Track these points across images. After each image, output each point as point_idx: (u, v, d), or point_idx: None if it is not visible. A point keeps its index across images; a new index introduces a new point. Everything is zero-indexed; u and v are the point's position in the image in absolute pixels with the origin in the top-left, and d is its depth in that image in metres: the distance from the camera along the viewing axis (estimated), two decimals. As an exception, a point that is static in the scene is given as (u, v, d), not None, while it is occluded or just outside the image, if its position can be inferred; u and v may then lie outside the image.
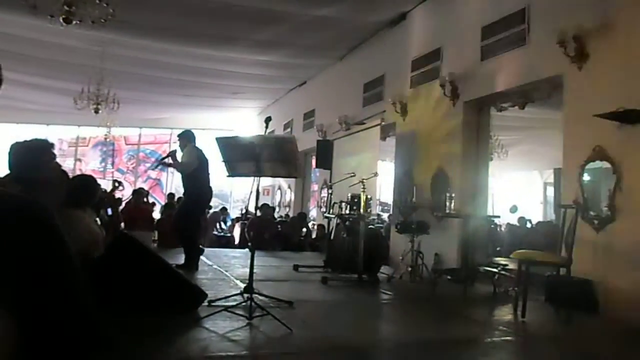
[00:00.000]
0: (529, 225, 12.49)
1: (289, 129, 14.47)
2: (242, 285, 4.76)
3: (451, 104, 7.39)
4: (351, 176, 7.04)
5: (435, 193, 7.58)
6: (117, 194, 8.26)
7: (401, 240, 7.34)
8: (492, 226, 9.96)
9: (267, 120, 4.27)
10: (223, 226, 13.35)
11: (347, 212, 6.77)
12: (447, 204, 6.28)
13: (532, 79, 6.22)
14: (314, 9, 8.56)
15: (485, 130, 7.49)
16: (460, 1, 7.70)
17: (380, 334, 4.28)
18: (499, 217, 10.42)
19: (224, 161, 4.23)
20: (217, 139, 4.17)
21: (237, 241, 11.71)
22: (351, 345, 3.48)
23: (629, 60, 4.92)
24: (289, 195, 14.59)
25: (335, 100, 11.48)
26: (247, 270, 4.09)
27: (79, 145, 20.08)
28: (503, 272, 6.14)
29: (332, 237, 7.49)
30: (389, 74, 9.49)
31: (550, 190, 15.08)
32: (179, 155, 6.62)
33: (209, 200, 6.99)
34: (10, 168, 2.96)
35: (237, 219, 13.24)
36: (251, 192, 4.07)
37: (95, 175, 5.98)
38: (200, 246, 6.78)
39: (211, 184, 6.68)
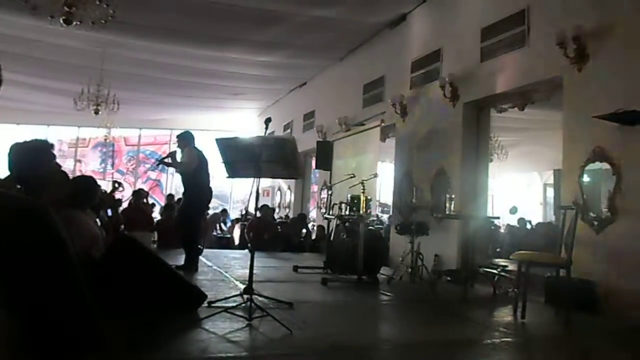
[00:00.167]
0: (528, 226, 12.50)
1: (289, 130, 14.47)
2: (242, 286, 4.75)
3: (451, 105, 7.40)
4: (351, 177, 7.04)
5: (435, 194, 7.58)
6: (117, 195, 8.27)
7: (401, 241, 7.34)
8: (492, 227, 9.98)
9: (267, 121, 4.27)
10: (223, 227, 13.35)
11: (347, 213, 6.77)
12: (447, 205, 6.27)
13: (532, 80, 6.23)
14: (314, 10, 8.57)
15: (485, 131, 7.49)
16: (460, 2, 7.70)
17: (380, 335, 4.29)
18: (498, 218, 10.44)
19: (223, 162, 4.23)
20: (217, 140, 4.18)
21: (237, 242, 11.70)
22: (351, 346, 3.47)
23: (629, 62, 4.93)
24: (289, 196, 14.59)
25: (335, 101, 11.49)
26: (247, 271, 4.09)
27: (79, 146, 20.07)
28: (503, 273, 6.15)
29: (331, 238, 7.49)
30: (389, 75, 9.49)
31: (550, 192, 15.07)
32: (179, 156, 6.62)
33: (209, 201, 6.99)
34: (10, 169, 2.96)
35: (237, 220, 13.23)
36: (251, 193, 4.07)
37: (95, 176, 5.98)
38: (199, 246, 6.77)
39: (211, 185, 6.68)
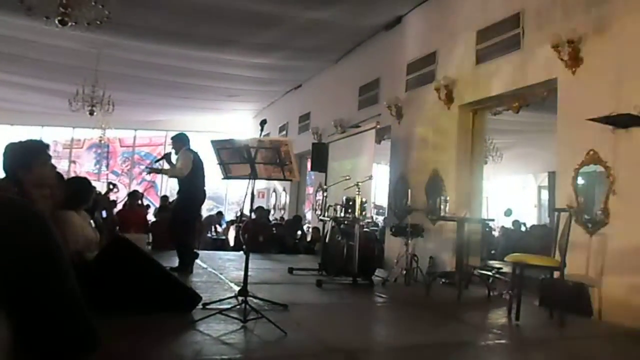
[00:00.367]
0: (523, 228, 12.55)
1: (284, 132, 14.48)
2: (237, 288, 4.74)
3: (446, 108, 7.42)
4: (346, 179, 7.04)
5: (430, 196, 7.60)
6: (112, 196, 8.25)
7: (396, 243, 7.35)
8: (487, 229, 9.98)
9: (263, 123, 4.27)
10: (219, 229, 13.34)
11: (342, 215, 6.77)
12: (442, 207, 6.30)
13: (527, 82, 6.25)
14: (310, 12, 8.58)
15: (480, 133, 7.51)
16: (456, 5, 7.73)
17: (374, 337, 4.29)
18: (493, 220, 10.46)
19: (219, 164, 4.23)
20: (212, 141, 4.17)
21: (232, 244, 11.69)
22: (345, 348, 3.47)
23: (622, 65, 4.95)
24: (284, 198, 14.58)
25: (331, 103, 11.50)
26: (242, 273, 4.08)
27: (74, 147, 20.01)
28: (497, 275, 6.17)
29: (327, 240, 7.49)
30: (384, 77, 9.51)
31: (545, 194, 15.14)
32: (173, 158, 6.60)
33: (202, 203, 6.97)
34: (4, 169, 2.95)
35: (232, 222, 13.22)
36: (246, 194, 4.07)
37: (89, 178, 5.97)
38: (195, 250, 6.75)
39: (205, 187, 6.66)
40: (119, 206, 9.67)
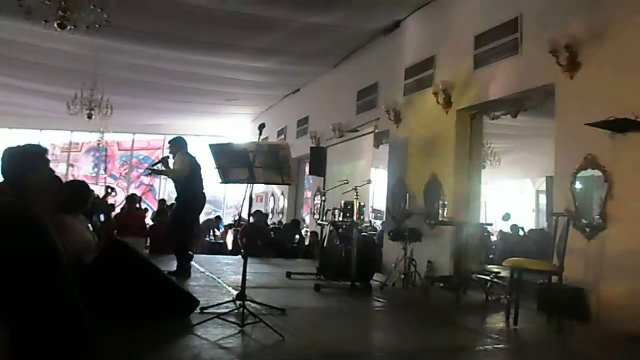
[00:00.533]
0: (521, 233, 12.55)
1: (282, 136, 14.47)
2: (235, 292, 4.74)
3: (444, 112, 7.42)
4: (344, 183, 7.04)
5: (428, 200, 7.60)
6: (110, 200, 8.25)
7: (394, 247, 7.34)
8: (485, 234, 10.00)
9: (261, 127, 4.27)
10: (217, 232, 13.33)
11: (340, 219, 6.77)
12: (440, 211, 6.30)
13: (525, 87, 6.27)
14: (309, 17, 8.59)
15: (478, 138, 7.52)
16: (454, 10, 7.75)
17: (372, 341, 4.28)
18: (491, 224, 10.47)
19: (217, 168, 4.23)
20: (210, 145, 4.17)
21: (229, 248, 11.67)
22: (343, 352, 3.47)
23: (620, 70, 4.97)
24: (282, 202, 14.58)
25: (329, 107, 11.51)
26: (240, 277, 4.08)
27: (72, 151, 19.98)
28: (495, 279, 6.16)
29: (325, 244, 7.49)
30: (382, 82, 9.52)
31: (543, 198, 15.14)
32: (171, 162, 6.60)
33: (202, 207, 6.96)
34: (3, 173, 2.95)
35: (230, 226, 13.21)
36: (244, 198, 4.07)
37: (87, 181, 5.95)
38: (190, 252, 6.74)
39: (204, 190, 6.66)
40: (117, 210, 9.66)
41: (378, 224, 12.72)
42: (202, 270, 6.96)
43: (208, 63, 11.18)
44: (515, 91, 6.44)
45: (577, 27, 5.38)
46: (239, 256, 8.68)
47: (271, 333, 3.50)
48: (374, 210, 14.50)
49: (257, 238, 10.17)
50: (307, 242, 11.70)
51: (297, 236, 11.68)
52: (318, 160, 9.70)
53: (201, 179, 6.55)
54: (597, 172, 5.12)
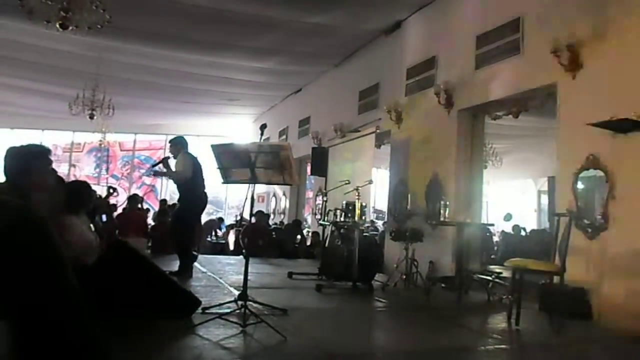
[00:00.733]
0: (523, 233, 12.52)
1: (284, 136, 14.48)
2: (236, 293, 4.73)
3: (446, 112, 7.42)
4: (346, 183, 7.05)
5: (429, 201, 7.59)
6: (112, 200, 8.25)
7: (395, 248, 7.34)
8: (487, 234, 9.98)
9: (263, 127, 4.28)
10: (219, 232, 13.33)
11: (342, 219, 6.77)
12: (442, 211, 6.29)
13: (526, 87, 6.26)
14: (310, 17, 8.60)
15: (479, 138, 7.52)
16: (456, 10, 7.75)
17: (374, 341, 4.28)
18: (493, 225, 10.44)
19: (219, 168, 4.23)
20: (212, 146, 4.17)
21: (231, 248, 11.68)
22: (345, 353, 3.47)
23: (622, 70, 4.96)
24: (284, 202, 14.58)
25: (331, 107, 11.51)
26: (242, 277, 4.07)
27: (74, 151, 20.02)
28: (497, 280, 6.15)
29: (326, 244, 7.49)
30: (384, 82, 9.52)
31: (545, 199, 15.13)
32: (172, 162, 6.59)
33: (204, 207, 6.96)
34: (5, 173, 2.95)
35: (232, 226, 13.21)
36: (246, 199, 4.07)
37: (89, 181, 5.96)
38: (194, 253, 6.74)
39: (206, 190, 6.65)
40: (119, 210, 9.66)
41: (379, 224, 12.71)
42: (204, 270, 6.96)
43: (210, 63, 11.19)
44: (516, 91, 6.43)
45: (578, 27, 5.38)
46: (241, 256, 8.69)
47: (273, 333, 3.50)
48: (375, 211, 14.50)
49: (259, 238, 10.17)
50: (308, 243, 11.70)
51: (298, 236, 11.69)
52: (319, 161, 9.71)
53: (203, 179, 6.54)
54: (599, 172, 5.12)
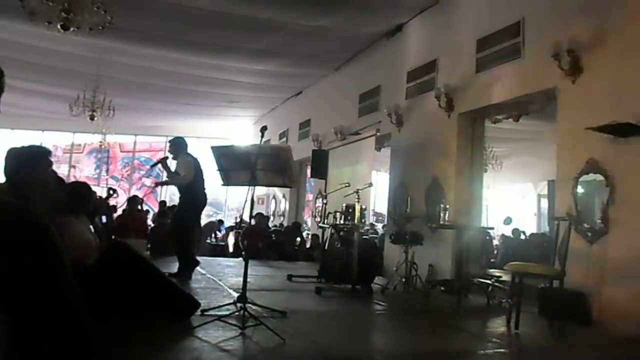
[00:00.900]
0: (522, 237, 12.52)
1: (284, 139, 14.49)
2: (236, 295, 4.73)
3: (446, 116, 7.42)
4: (346, 186, 7.04)
5: (429, 204, 7.59)
6: (112, 202, 8.25)
7: (395, 251, 7.34)
8: (486, 238, 9.99)
9: (263, 129, 4.27)
10: (218, 234, 13.32)
11: (342, 222, 6.77)
12: (442, 215, 6.29)
13: (527, 91, 6.26)
14: (311, 20, 8.61)
15: (479, 141, 7.52)
16: (456, 13, 7.76)
17: (373, 344, 4.28)
18: (493, 228, 10.44)
19: (219, 170, 4.23)
20: (212, 147, 4.18)
21: (231, 250, 11.67)
22: (344, 355, 3.47)
23: (622, 74, 4.97)
24: (284, 205, 14.58)
25: (331, 110, 11.52)
26: (241, 279, 4.08)
27: (74, 152, 20.02)
28: (497, 283, 6.16)
29: (326, 247, 7.48)
30: (384, 85, 9.53)
31: (544, 202, 15.13)
32: (170, 163, 6.57)
33: (203, 208, 6.96)
34: (5, 174, 2.95)
35: (231, 228, 13.21)
36: (246, 201, 4.07)
37: (89, 182, 5.96)
38: (197, 259, 6.71)
39: (206, 191, 6.64)
40: (119, 211, 9.66)
41: (379, 227, 12.71)
42: (203, 272, 6.95)
43: (210, 65, 11.20)
44: (517, 95, 6.43)
45: (579, 31, 5.38)
46: (240, 258, 8.70)
47: (272, 336, 3.50)
48: (375, 214, 14.51)
49: (259, 241, 10.17)
50: (308, 245, 11.70)
51: (298, 239, 11.68)
52: (320, 163, 9.71)
53: (203, 180, 6.54)
54: (599, 177, 5.12)
